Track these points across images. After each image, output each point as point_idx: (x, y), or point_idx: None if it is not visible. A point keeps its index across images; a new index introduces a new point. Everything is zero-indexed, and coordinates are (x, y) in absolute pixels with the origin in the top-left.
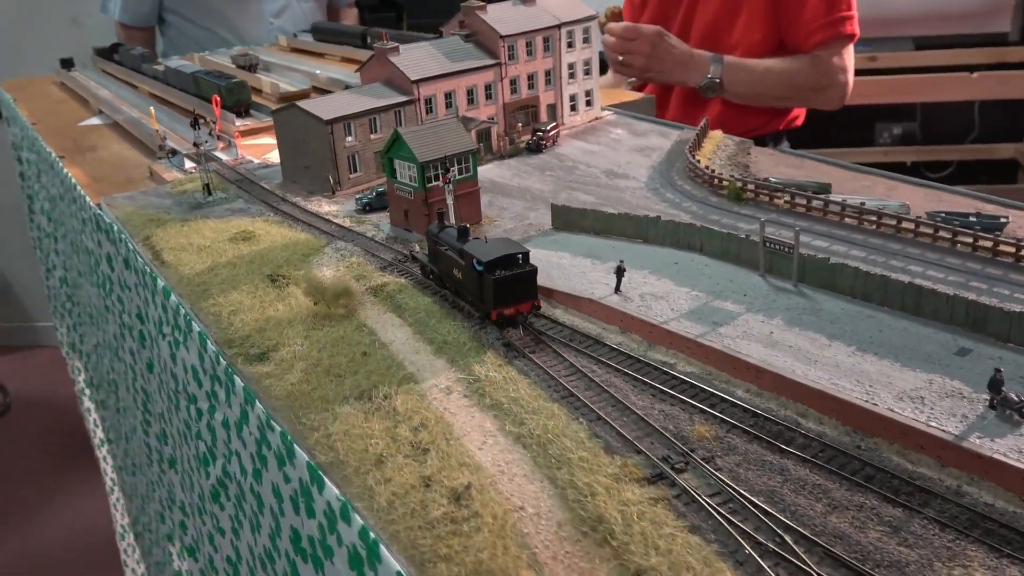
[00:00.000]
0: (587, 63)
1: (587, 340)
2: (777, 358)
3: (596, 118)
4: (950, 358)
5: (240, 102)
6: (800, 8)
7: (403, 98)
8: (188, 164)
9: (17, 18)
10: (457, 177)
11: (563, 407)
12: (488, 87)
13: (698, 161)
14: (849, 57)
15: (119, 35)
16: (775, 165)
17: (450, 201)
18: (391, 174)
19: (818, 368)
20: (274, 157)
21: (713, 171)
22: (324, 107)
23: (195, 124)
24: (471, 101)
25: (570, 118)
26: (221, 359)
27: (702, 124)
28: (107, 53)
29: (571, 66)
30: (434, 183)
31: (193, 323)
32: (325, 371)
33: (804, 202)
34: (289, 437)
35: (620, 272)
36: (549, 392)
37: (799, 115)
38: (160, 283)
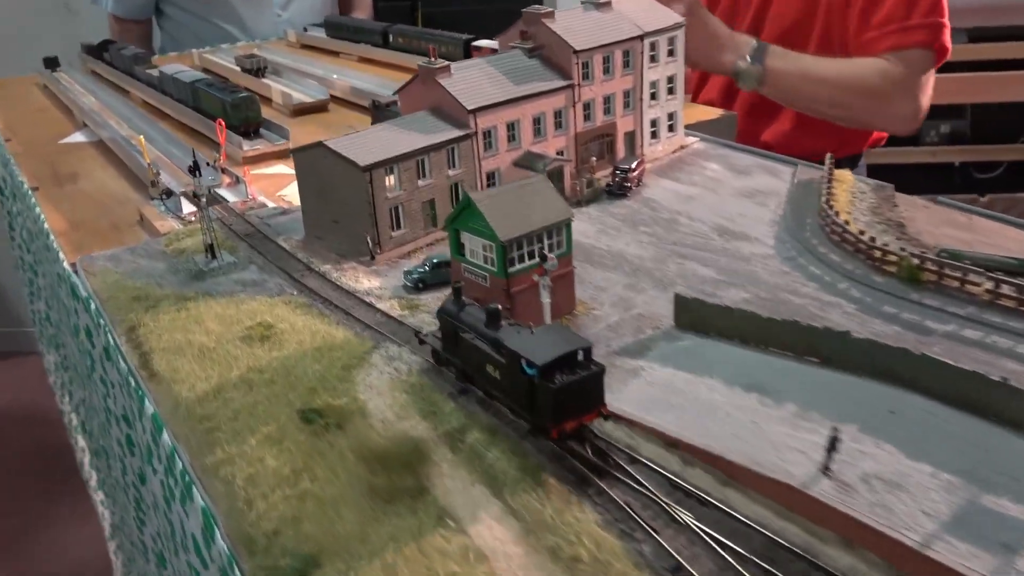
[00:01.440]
0: (671, 80)
1: (796, 560)
2: None
3: (680, 147)
4: None
5: (249, 120)
6: (873, 7)
7: (456, 132)
8: (186, 209)
9: (8, 3)
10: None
11: None
12: (558, 114)
13: (845, 222)
14: (929, 78)
15: (112, 29)
16: (938, 226)
17: (546, 300)
18: (456, 250)
19: None
20: (292, 194)
21: (872, 239)
22: (360, 148)
23: (194, 170)
24: (537, 132)
25: (650, 148)
26: (236, 570)
27: (828, 163)
28: (97, 51)
29: (654, 85)
30: (519, 267)
31: (194, 489)
32: None
33: (1016, 293)
34: None
35: (833, 445)
36: None
37: (882, 136)
38: (148, 407)
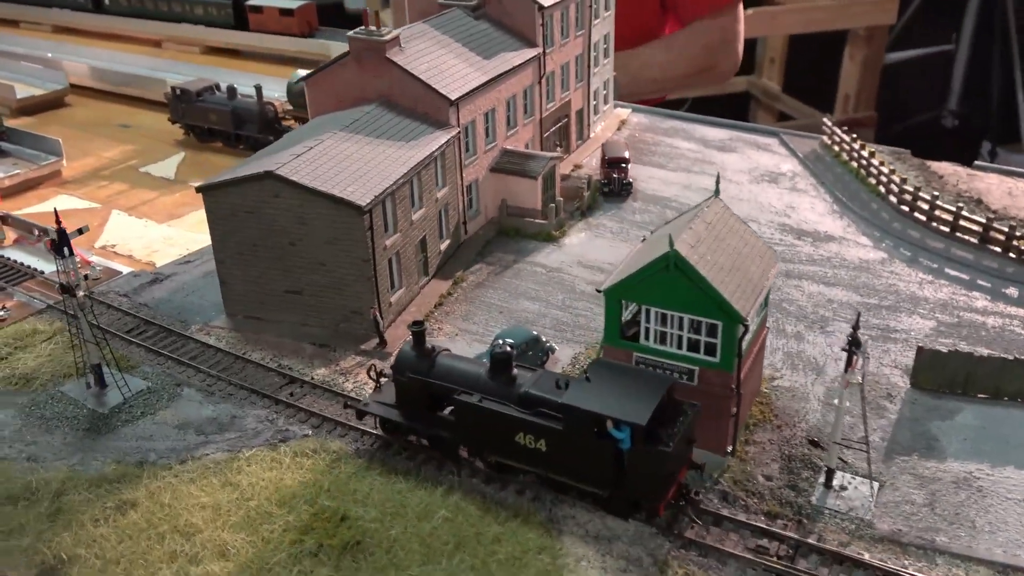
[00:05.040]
0: (607, 39)
1: None
2: None
3: (621, 121)
4: None
5: None
6: None
7: (441, 134)
8: None
9: None
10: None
11: None
12: (526, 94)
13: (959, 208)
14: (740, 20)
15: None
16: (1016, 198)
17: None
18: (618, 332)
19: None
20: (124, 242)
21: (1012, 230)
22: (330, 176)
23: (61, 246)
24: (509, 121)
25: (594, 126)
26: None
27: (839, 131)
28: None
29: (595, 47)
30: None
31: None
32: None
33: None
34: None
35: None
36: None
37: None
38: None
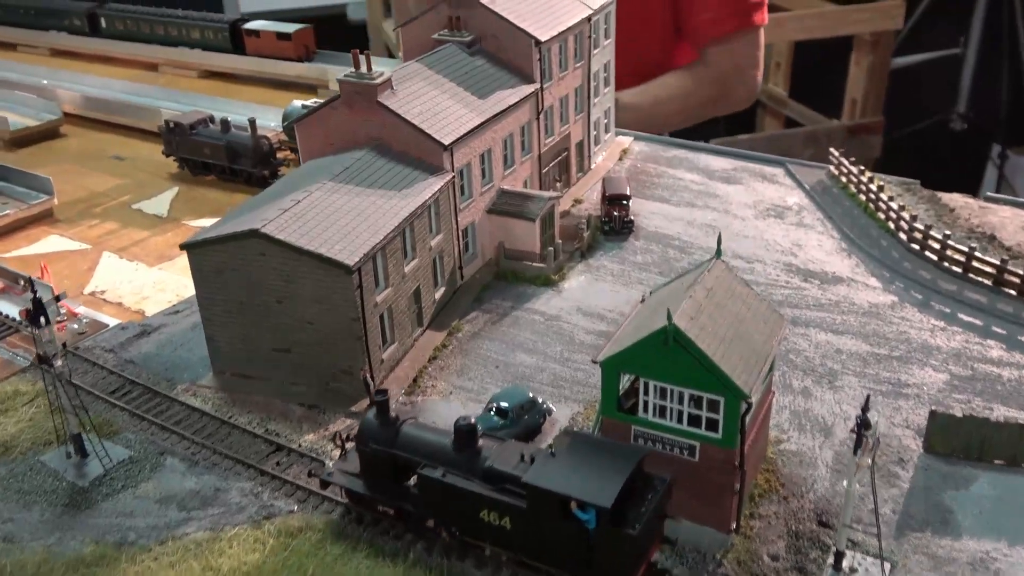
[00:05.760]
0: (607, 68)
1: None
2: None
3: (623, 151)
4: None
5: None
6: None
7: (434, 180)
8: None
9: None
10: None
11: None
12: (523, 131)
13: (971, 249)
14: (759, 47)
15: None
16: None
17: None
18: (615, 405)
19: None
20: (114, 286)
21: None
22: (319, 232)
23: (35, 315)
24: (507, 160)
25: (594, 157)
26: None
27: (845, 163)
28: None
29: (595, 76)
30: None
31: None
32: None
33: None
34: None
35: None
36: None
37: None
38: None
